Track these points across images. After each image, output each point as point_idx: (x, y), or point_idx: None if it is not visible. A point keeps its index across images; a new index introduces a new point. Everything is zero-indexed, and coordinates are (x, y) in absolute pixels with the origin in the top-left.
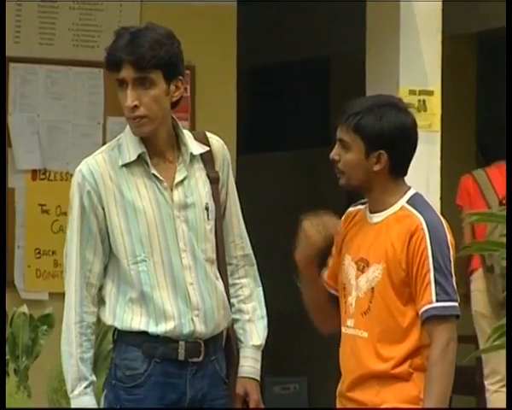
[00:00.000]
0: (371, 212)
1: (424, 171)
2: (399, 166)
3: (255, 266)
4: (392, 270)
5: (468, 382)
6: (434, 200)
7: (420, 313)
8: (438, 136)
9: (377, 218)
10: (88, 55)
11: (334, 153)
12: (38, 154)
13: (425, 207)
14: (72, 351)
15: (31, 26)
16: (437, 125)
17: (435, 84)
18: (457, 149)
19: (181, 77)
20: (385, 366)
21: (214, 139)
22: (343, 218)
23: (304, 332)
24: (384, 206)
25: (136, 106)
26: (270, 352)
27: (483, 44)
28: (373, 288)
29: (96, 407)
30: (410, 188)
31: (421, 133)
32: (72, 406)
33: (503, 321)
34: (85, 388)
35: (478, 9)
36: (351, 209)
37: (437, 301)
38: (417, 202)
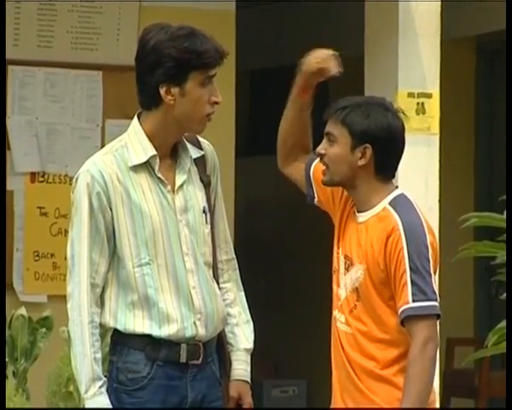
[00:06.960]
0: (357, 211)
1: (423, 173)
2: (384, 165)
3: (237, 271)
4: (372, 271)
5: (466, 384)
6: (433, 202)
7: (398, 313)
8: (436, 138)
9: (362, 218)
10: (87, 57)
11: (321, 147)
12: (37, 156)
13: (405, 207)
14: (86, 351)
15: (29, 29)
16: (435, 128)
17: (434, 87)
18: (456, 152)
19: None
20: (372, 365)
21: (206, 144)
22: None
23: (304, 334)
24: (367, 206)
25: None
26: (269, 355)
27: (482, 47)
28: (357, 288)
29: (110, 406)
30: (395, 189)
31: (419, 136)
32: (87, 406)
33: (503, 323)
34: (100, 387)
35: (477, 12)
36: None
37: (413, 301)
38: (398, 202)
